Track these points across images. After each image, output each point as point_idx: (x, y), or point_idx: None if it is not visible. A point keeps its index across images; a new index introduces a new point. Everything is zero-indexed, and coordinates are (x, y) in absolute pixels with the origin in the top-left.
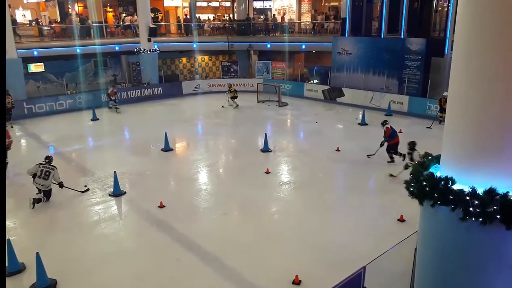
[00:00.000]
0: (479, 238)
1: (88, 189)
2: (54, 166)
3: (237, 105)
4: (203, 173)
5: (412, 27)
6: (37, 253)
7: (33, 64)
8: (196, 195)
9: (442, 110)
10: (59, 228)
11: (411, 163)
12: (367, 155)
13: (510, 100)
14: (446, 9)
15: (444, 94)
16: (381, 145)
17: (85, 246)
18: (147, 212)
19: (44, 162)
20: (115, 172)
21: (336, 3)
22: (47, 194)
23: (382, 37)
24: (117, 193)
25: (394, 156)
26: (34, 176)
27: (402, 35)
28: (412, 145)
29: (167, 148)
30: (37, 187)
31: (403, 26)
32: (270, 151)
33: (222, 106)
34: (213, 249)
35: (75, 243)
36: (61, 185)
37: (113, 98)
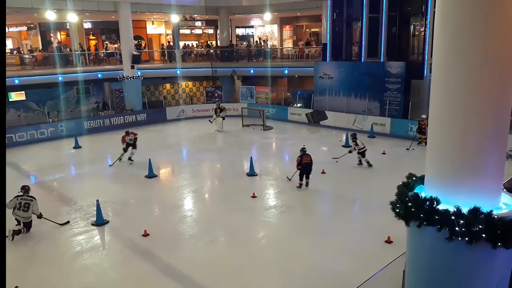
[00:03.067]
0: (467, 257)
1: (68, 222)
2: (33, 197)
3: (224, 118)
4: (188, 199)
5: (391, 51)
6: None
7: (14, 92)
8: (181, 222)
9: (421, 132)
10: (40, 260)
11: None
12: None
13: (490, 120)
14: (423, 33)
15: (423, 116)
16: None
17: (67, 279)
18: (131, 241)
19: (21, 193)
20: (97, 200)
21: (317, 29)
22: (27, 225)
23: (363, 61)
24: (100, 222)
25: None
26: (13, 208)
27: (381, 59)
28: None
29: (151, 175)
30: (16, 219)
31: (382, 50)
32: (256, 175)
33: (210, 121)
34: (200, 277)
35: (56, 275)
36: (39, 216)
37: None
